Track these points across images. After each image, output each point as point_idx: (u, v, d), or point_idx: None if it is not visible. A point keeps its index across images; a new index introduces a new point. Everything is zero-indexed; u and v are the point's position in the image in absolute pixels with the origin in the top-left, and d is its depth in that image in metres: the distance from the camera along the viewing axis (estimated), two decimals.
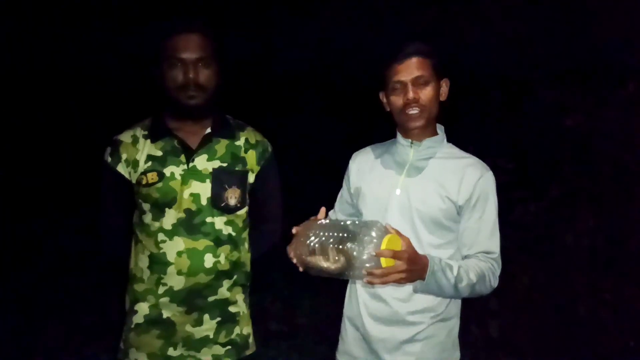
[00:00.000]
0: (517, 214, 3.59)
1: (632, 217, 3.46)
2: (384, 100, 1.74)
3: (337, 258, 1.42)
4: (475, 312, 3.32)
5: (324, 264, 1.43)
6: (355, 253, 1.39)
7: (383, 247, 1.38)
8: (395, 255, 1.38)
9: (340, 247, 1.41)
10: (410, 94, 1.62)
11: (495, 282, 1.65)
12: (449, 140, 1.78)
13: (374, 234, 1.40)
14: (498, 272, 1.66)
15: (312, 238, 1.46)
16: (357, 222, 1.45)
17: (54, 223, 4.68)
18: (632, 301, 3.34)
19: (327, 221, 1.50)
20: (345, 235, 1.42)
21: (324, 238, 1.44)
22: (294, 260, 1.51)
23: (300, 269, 1.52)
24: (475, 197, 1.65)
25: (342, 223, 1.46)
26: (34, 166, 4.96)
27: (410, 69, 1.63)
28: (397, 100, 1.65)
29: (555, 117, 3.63)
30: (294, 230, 1.52)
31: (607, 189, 3.52)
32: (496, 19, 3.93)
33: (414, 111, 1.64)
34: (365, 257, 1.38)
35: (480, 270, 1.60)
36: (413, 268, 1.44)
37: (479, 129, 3.75)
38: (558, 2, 3.80)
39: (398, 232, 1.44)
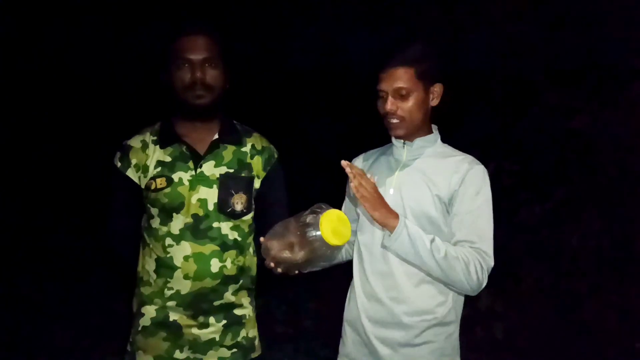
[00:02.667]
0: (522, 215, 3.60)
1: (638, 219, 3.45)
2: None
3: (298, 248, 1.49)
4: (480, 313, 3.33)
5: (288, 255, 1.51)
6: (298, 233, 1.47)
7: (321, 220, 1.45)
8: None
9: (298, 235, 1.48)
10: (388, 105, 1.65)
11: (482, 275, 1.58)
12: (455, 143, 1.79)
13: (317, 211, 1.48)
14: (487, 266, 1.59)
15: (275, 236, 1.54)
16: (310, 209, 1.51)
17: (60, 224, 4.71)
18: (637, 303, 3.34)
19: (289, 218, 1.56)
20: (299, 223, 1.49)
21: (283, 234, 1.52)
22: (271, 265, 1.57)
23: (279, 270, 1.57)
24: (464, 188, 1.64)
25: (297, 215, 1.53)
26: (43, 166, 4.99)
27: (391, 80, 1.64)
28: (380, 108, 1.69)
29: (561, 119, 3.63)
30: (261, 239, 1.57)
31: (613, 190, 3.52)
32: (501, 21, 3.93)
33: (393, 121, 1.67)
34: (311, 234, 1.45)
35: (463, 255, 1.56)
36: (380, 201, 1.52)
37: (484, 131, 3.76)
38: (563, 4, 3.80)
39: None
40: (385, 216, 1.52)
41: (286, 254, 1.51)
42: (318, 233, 1.45)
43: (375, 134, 1.93)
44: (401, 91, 1.64)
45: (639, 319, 3.29)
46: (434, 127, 1.77)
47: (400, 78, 1.64)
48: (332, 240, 1.45)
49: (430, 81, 1.69)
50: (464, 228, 1.63)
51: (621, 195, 3.50)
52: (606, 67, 3.56)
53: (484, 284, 1.61)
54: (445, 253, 1.54)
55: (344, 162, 1.51)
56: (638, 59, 3.49)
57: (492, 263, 1.62)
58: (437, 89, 1.71)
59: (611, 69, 3.56)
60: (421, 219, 1.66)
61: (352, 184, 1.50)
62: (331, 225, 1.45)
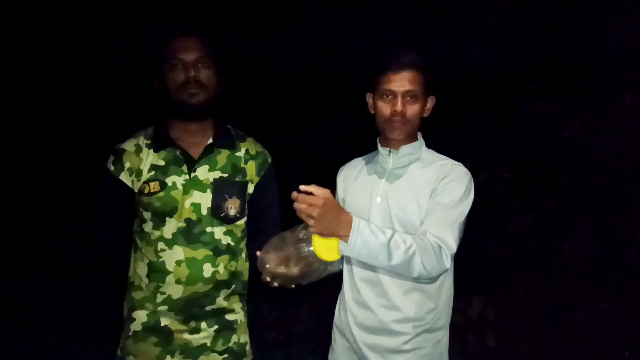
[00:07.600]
0: (514, 224, 3.60)
1: (629, 228, 3.47)
2: (370, 102, 1.77)
3: (293, 263, 1.47)
4: (472, 321, 3.34)
5: (283, 270, 1.49)
6: (292, 248, 1.46)
7: (314, 236, 1.43)
8: (315, 192, 1.42)
9: (292, 250, 1.46)
10: (399, 107, 1.65)
11: (442, 260, 1.53)
12: (447, 151, 1.80)
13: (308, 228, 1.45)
14: (448, 250, 1.55)
15: (271, 251, 1.51)
16: (303, 223, 1.48)
17: (51, 226, 4.68)
18: (628, 311, 3.35)
19: (285, 232, 1.54)
20: (293, 238, 1.48)
21: (279, 248, 1.50)
22: (267, 279, 1.55)
23: (275, 285, 1.55)
24: (442, 184, 1.65)
25: (293, 229, 1.51)
26: (32, 168, 4.96)
27: (403, 81, 1.65)
28: (385, 108, 1.68)
29: (552, 127, 3.65)
30: (257, 253, 1.55)
31: (604, 199, 3.54)
32: (493, 29, 3.95)
33: (397, 123, 1.67)
34: (304, 250, 1.44)
35: (422, 243, 1.52)
36: (327, 212, 1.40)
37: (476, 140, 3.77)
38: (556, 13, 3.83)
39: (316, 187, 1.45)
40: (334, 230, 1.43)
41: (282, 269, 1.49)
42: (311, 249, 1.43)
43: (369, 138, 1.93)
44: (412, 94, 1.66)
45: (629, 328, 3.31)
46: (419, 134, 1.79)
47: (413, 81, 1.65)
48: (325, 255, 1.43)
49: (429, 92, 1.72)
50: (432, 218, 1.60)
51: (612, 204, 3.52)
52: (597, 77, 3.59)
53: (447, 267, 1.56)
54: (404, 247, 1.48)
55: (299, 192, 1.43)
56: (629, 69, 3.53)
57: (454, 247, 1.57)
58: (431, 102, 1.74)
59: (602, 79, 3.59)
60: (408, 228, 1.67)
61: (296, 206, 1.43)
62: (323, 241, 1.43)
